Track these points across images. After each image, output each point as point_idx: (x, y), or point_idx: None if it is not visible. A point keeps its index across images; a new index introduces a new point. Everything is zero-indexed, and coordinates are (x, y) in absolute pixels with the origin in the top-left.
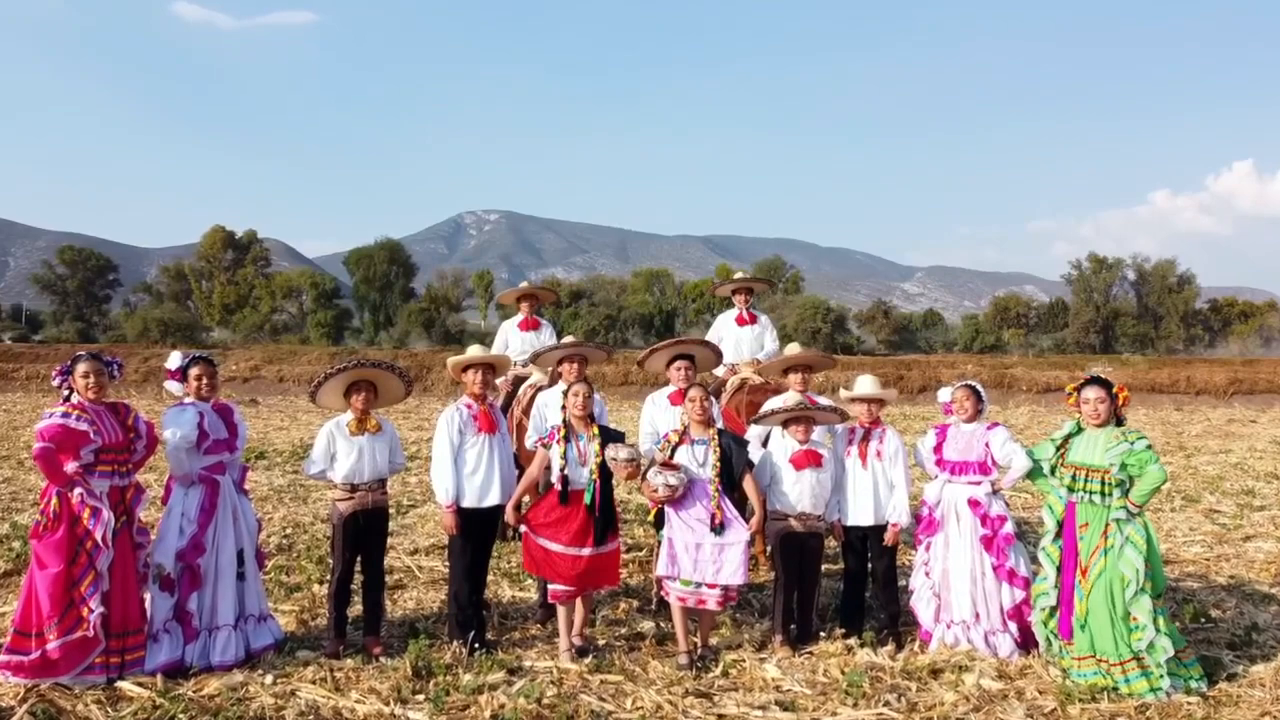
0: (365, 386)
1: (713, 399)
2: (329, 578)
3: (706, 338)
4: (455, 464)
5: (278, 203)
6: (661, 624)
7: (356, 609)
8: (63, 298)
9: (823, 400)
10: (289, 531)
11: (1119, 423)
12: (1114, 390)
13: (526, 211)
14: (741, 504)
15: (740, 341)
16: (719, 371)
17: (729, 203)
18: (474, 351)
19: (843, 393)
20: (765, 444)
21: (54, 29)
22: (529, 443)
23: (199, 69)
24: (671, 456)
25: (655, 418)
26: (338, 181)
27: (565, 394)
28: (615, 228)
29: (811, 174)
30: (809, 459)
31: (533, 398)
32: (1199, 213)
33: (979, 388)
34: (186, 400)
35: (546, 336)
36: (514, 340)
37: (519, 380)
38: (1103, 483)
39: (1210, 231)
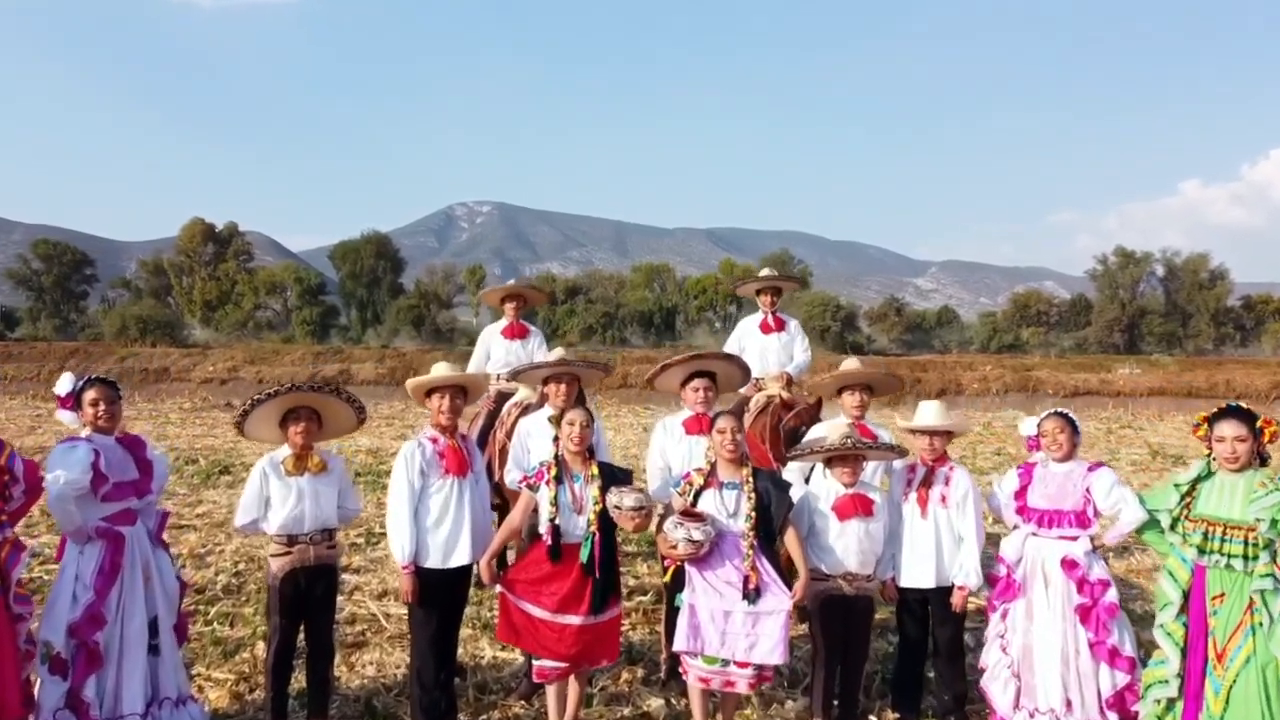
0: (305, 414)
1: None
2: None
3: (726, 347)
4: (415, 514)
5: (261, 194)
6: (673, 700)
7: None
8: (38, 294)
9: (882, 433)
10: (241, 567)
11: (1263, 463)
12: (1258, 424)
13: (520, 203)
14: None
15: (766, 351)
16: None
17: (733, 194)
18: (440, 371)
19: (899, 422)
20: (808, 481)
21: (24, 11)
22: (509, 479)
23: (178, 52)
24: (694, 503)
25: (667, 450)
26: (323, 172)
27: (554, 420)
28: (613, 220)
29: (820, 165)
30: (856, 507)
31: (519, 419)
32: (1232, 204)
33: (1073, 418)
34: (82, 434)
35: (535, 346)
36: (497, 350)
37: (503, 397)
38: (1246, 543)
39: (1244, 224)
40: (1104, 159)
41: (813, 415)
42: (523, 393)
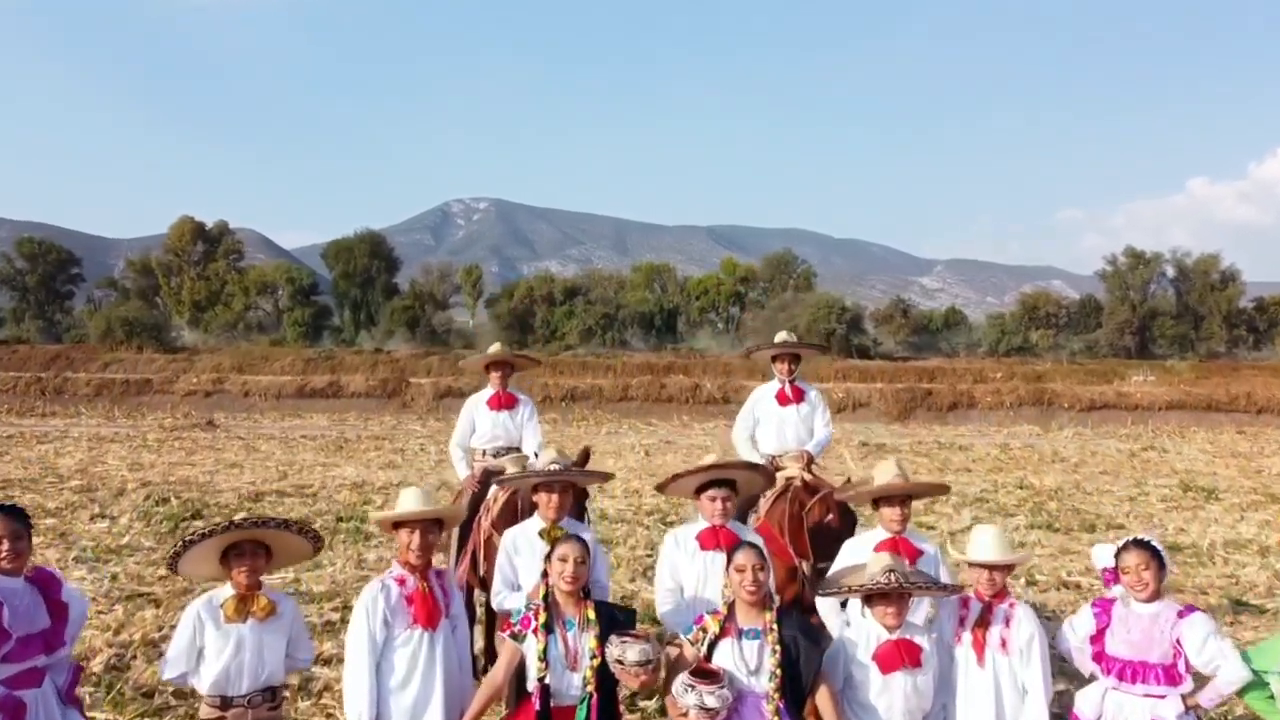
0: (251, 549)
1: (766, 560)
2: None
3: (738, 420)
4: (377, 670)
5: (253, 191)
6: None
7: None
8: (23, 294)
9: (927, 547)
10: None
11: None
12: None
13: (518, 200)
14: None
15: (783, 425)
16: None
17: (734, 191)
18: (408, 502)
19: (952, 553)
20: (844, 605)
21: (20, 11)
22: (496, 602)
23: (168, 46)
24: (709, 657)
25: (679, 567)
26: (316, 168)
27: (545, 535)
28: (613, 217)
29: (822, 162)
30: (902, 656)
31: (508, 507)
32: (1239, 202)
33: (1160, 548)
34: None
35: (525, 417)
36: (482, 422)
37: (488, 475)
38: None
39: (1252, 222)
40: (1110, 157)
41: (841, 505)
42: (511, 469)
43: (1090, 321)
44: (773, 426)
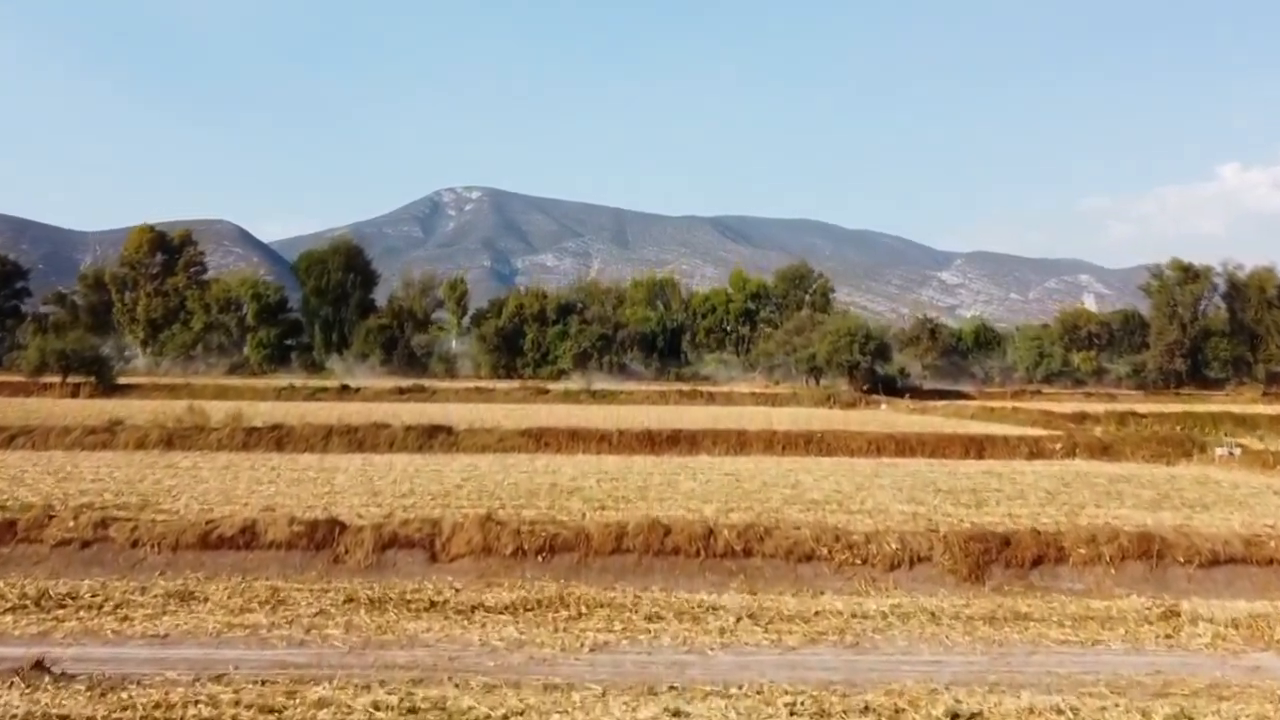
0: None
1: None
2: None
3: None
4: None
5: (231, 179)
6: None
7: None
8: None
9: None
10: None
11: None
12: None
13: (512, 189)
14: None
15: None
16: None
17: (741, 179)
18: None
19: None
20: None
21: None
22: None
23: (142, 19)
24: None
25: None
26: (298, 153)
27: None
28: (612, 207)
29: (833, 147)
30: None
31: None
32: (1274, 189)
33: None
34: None
35: None
36: None
37: None
38: None
39: None
40: (1138, 139)
41: None
42: None
43: (1135, 340)
44: None
